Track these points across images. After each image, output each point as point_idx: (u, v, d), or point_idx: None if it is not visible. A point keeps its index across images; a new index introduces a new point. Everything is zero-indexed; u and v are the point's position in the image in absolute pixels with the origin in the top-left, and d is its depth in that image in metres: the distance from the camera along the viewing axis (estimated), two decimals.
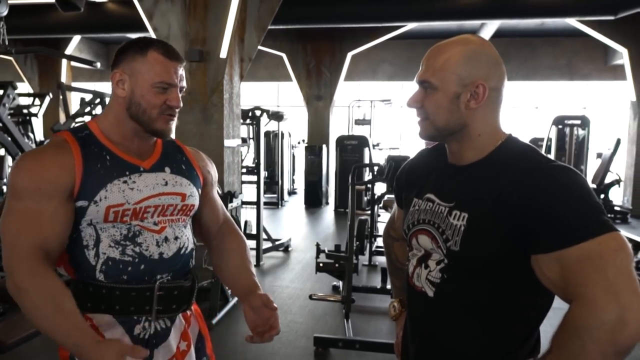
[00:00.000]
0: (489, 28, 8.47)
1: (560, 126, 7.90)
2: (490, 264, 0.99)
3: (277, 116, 6.34)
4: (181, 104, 1.21)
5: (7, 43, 3.14)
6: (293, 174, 10.39)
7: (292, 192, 10.18)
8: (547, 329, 1.06)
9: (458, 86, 1.01)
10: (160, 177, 1.24)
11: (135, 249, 1.19)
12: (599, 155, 8.21)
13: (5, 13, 2.94)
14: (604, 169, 7.81)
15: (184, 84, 1.22)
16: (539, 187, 0.93)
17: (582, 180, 0.93)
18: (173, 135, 1.28)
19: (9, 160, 7.58)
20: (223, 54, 4.10)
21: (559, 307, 1.04)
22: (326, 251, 3.71)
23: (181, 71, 1.20)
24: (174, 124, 1.22)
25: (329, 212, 8.35)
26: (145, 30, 4.34)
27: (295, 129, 10.19)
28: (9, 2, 3.07)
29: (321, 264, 3.64)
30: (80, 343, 1.06)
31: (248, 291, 1.27)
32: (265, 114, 5.77)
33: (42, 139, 7.51)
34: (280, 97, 12.22)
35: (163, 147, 1.30)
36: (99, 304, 1.17)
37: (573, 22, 7.38)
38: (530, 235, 0.92)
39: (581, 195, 0.91)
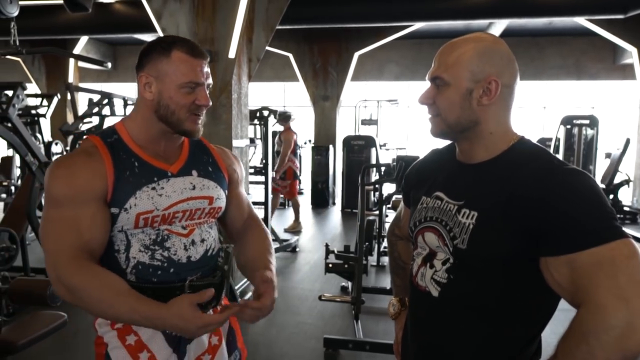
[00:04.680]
0: (497, 27, 8.42)
1: (568, 126, 7.82)
2: (497, 264, 0.98)
3: (284, 116, 6.33)
4: (210, 103, 1.20)
5: (17, 44, 3.15)
6: (300, 175, 10.36)
7: (298, 193, 10.15)
8: (546, 332, 1.05)
9: (470, 82, 1.00)
10: (188, 181, 1.24)
11: (164, 254, 1.20)
12: (608, 155, 8.13)
13: (16, 14, 2.95)
14: (613, 169, 7.74)
15: (210, 80, 1.21)
16: (552, 190, 0.91)
17: (594, 185, 0.92)
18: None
19: (17, 161, 7.62)
20: (231, 54, 4.08)
21: (560, 309, 1.03)
22: (335, 252, 3.68)
23: (206, 68, 1.19)
24: (202, 123, 1.21)
25: (335, 213, 8.33)
26: (153, 30, 4.34)
27: (301, 129, 10.16)
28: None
29: (330, 265, 3.62)
30: (150, 314, 1.07)
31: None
32: (272, 115, 5.76)
33: (50, 139, 7.52)
34: (287, 97, 12.20)
35: (190, 149, 1.30)
36: None
37: (581, 21, 7.32)
38: (541, 237, 0.91)
39: (594, 200, 0.90)
